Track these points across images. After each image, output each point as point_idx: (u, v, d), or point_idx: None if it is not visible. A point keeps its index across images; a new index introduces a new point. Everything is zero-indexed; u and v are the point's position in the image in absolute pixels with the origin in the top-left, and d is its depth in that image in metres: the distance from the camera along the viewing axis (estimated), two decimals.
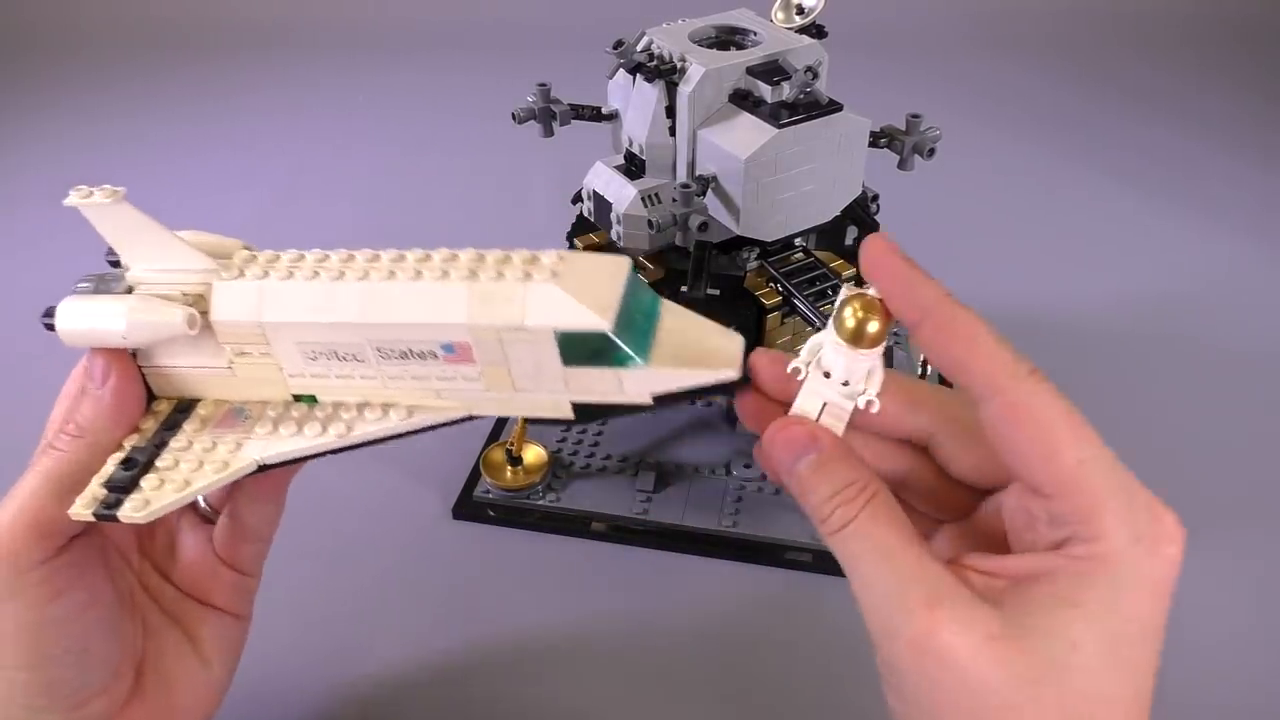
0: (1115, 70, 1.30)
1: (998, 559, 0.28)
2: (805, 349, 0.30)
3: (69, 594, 0.34)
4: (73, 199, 0.33)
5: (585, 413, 0.32)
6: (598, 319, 0.29)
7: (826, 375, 0.29)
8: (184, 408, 0.35)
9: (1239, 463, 0.67)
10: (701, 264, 0.56)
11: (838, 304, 0.29)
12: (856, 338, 0.28)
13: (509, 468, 0.64)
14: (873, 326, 0.28)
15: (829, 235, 0.62)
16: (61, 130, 1.20)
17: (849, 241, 0.64)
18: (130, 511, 0.31)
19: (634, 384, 0.31)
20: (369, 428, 0.33)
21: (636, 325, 0.31)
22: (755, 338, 0.59)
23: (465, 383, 0.32)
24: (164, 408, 0.35)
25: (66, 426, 0.34)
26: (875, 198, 0.64)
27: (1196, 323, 0.81)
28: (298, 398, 0.34)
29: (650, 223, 0.56)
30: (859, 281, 0.30)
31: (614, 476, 0.65)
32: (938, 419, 0.31)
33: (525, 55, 1.32)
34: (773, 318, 0.58)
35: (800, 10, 0.59)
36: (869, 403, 0.29)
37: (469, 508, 0.64)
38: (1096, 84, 1.26)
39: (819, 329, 0.54)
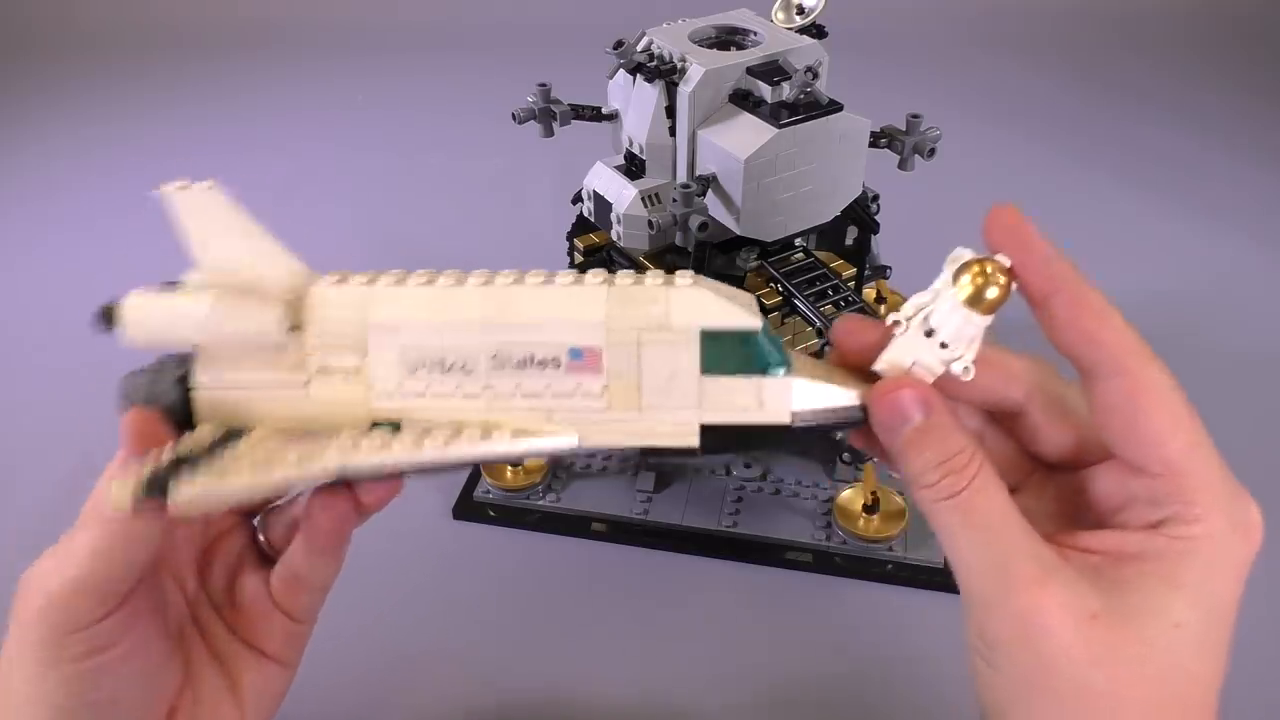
0: (1116, 70, 1.30)
1: (1092, 535, 0.29)
2: (909, 304, 0.29)
3: (112, 649, 0.32)
4: (170, 189, 0.30)
5: (713, 439, 0.30)
6: (749, 316, 0.29)
7: (928, 334, 0.29)
8: (234, 433, 0.31)
9: (1239, 463, 0.67)
10: (701, 264, 0.56)
11: (959, 264, 0.28)
12: (975, 301, 0.28)
13: (509, 468, 0.64)
14: (994, 292, 0.28)
15: (829, 235, 0.62)
16: (61, 130, 1.20)
17: (849, 242, 0.64)
18: (186, 493, 0.27)
19: (774, 397, 0.29)
20: (471, 449, 0.30)
21: (775, 340, 0.30)
22: None
23: (584, 400, 0.30)
24: (208, 431, 0.31)
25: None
26: (875, 198, 0.64)
27: (1196, 323, 0.80)
28: (377, 425, 0.31)
29: (650, 223, 0.56)
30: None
31: (614, 476, 0.65)
32: (1032, 393, 0.31)
33: (525, 55, 1.32)
34: (773, 318, 0.58)
35: (800, 10, 0.59)
36: (965, 369, 0.29)
37: (469, 508, 0.64)
38: (1097, 84, 1.26)
39: (819, 329, 0.54)
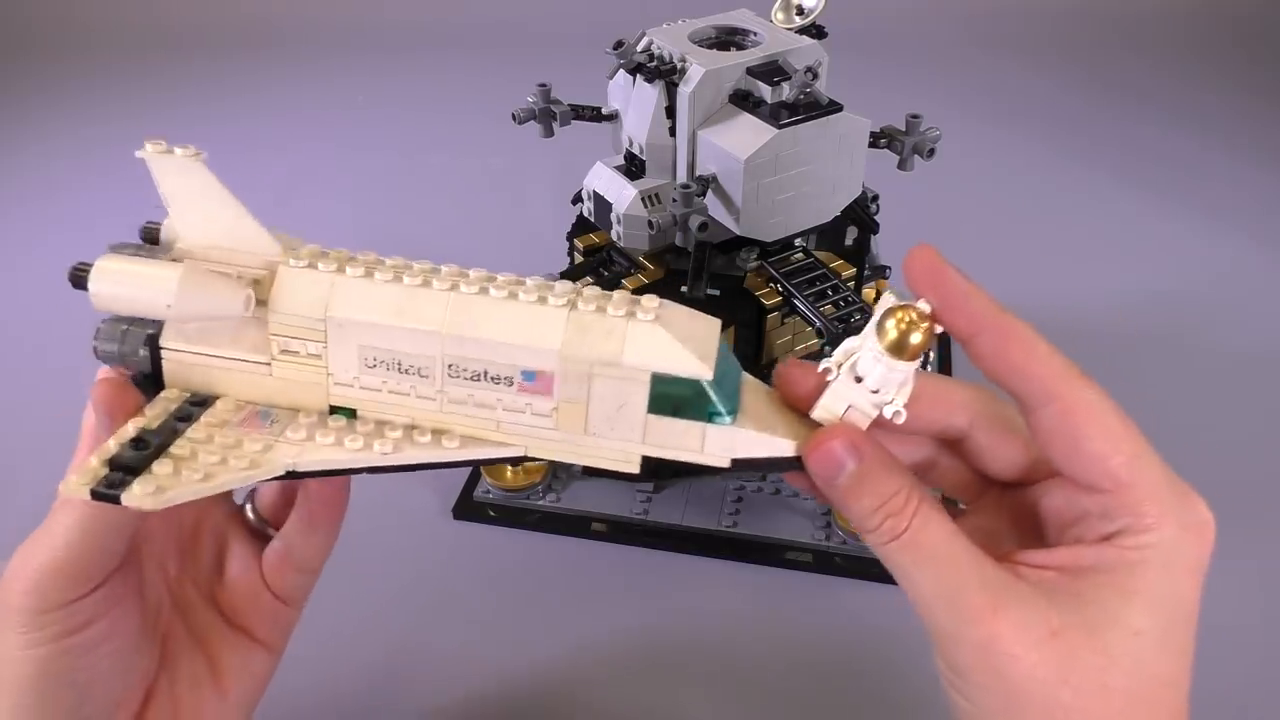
0: (1116, 70, 1.30)
1: (1046, 552, 0.29)
2: (839, 350, 0.29)
3: (89, 629, 0.33)
4: (149, 151, 0.30)
5: (652, 469, 0.30)
6: (700, 365, 0.29)
7: (858, 380, 0.29)
8: (198, 401, 0.32)
9: (1239, 462, 0.67)
10: (701, 264, 0.57)
11: (881, 312, 0.28)
12: (898, 349, 0.28)
13: (509, 468, 0.64)
14: (916, 338, 0.28)
15: (829, 235, 0.62)
16: (61, 130, 1.20)
17: (849, 242, 0.64)
18: (140, 495, 0.27)
19: (716, 443, 0.30)
20: (418, 454, 0.30)
21: (727, 383, 0.30)
22: (756, 337, 0.59)
23: (533, 417, 0.30)
24: (174, 396, 0.32)
25: None
26: (875, 198, 0.64)
27: (1197, 323, 0.81)
28: (334, 410, 0.32)
29: (650, 223, 0.56)
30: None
31: (614, 477, 0.65)
32: (974, 418, 0.31)
33: (525, 55, 1.32)
34: (773, 318, 0.58)
35: (800, 11, 0.59)
36: (896, 413, 0.29)
37: (469, 508, 0.64)
38: (1097, 84, 1.26)
39: (819, 329, 0.54)
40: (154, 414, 0.31)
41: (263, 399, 0.32)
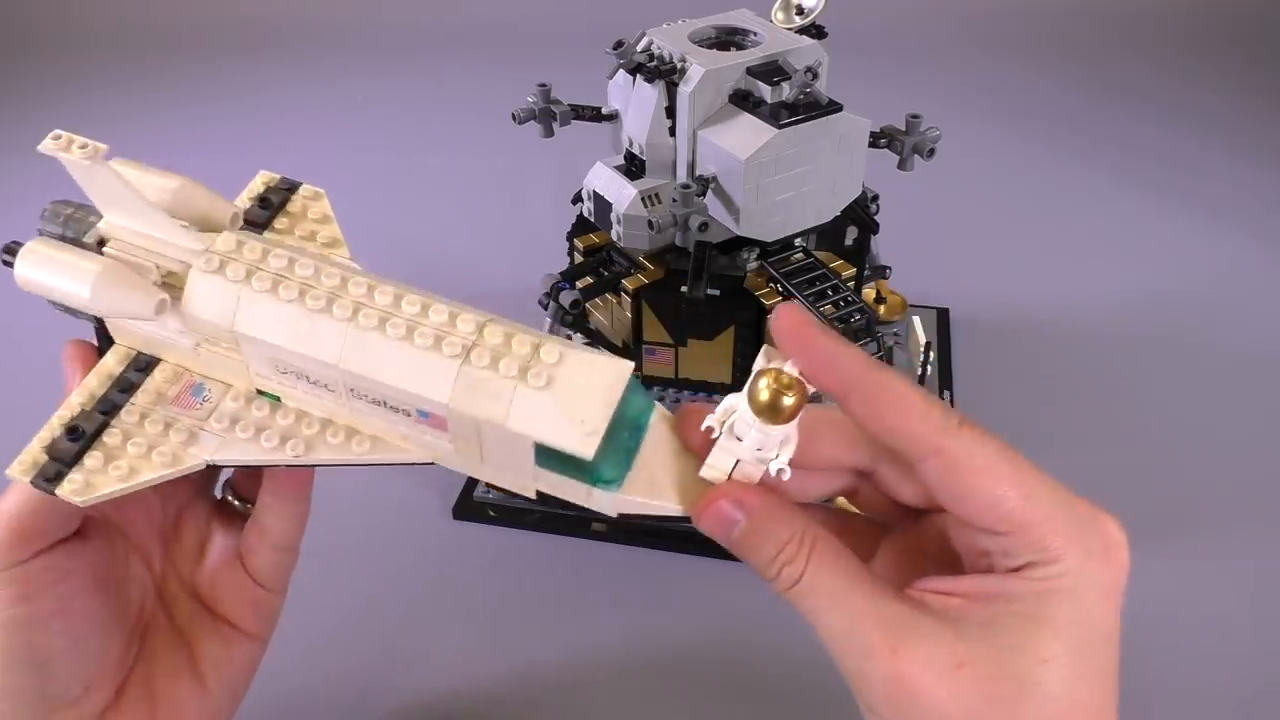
0: (1116, 70, 1.30)
1: (952, 580, 0.28)
2: (720, 408, 0.28)
3: (34, 600, 0.33)
4: (48, 145, 0.29)
5: (547, 500, 0.31)
6: (581, 444, 0.27)
7: (740, 439, 0.28)
8: (142, 365, 0.33)
9: (1239, 462, 0.67)
10: (701, 264, 0.57)
11: (752, 375, 0.27)
12: (771, 412, 0.27)
13: None
14: (787, 401, 0.27)
15: (829, 235, 0.62)
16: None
17: (849, 242, 0.64)
18: (69, 492, 0.30)
19: (602, 501, 0.30)
20: (327, 454, 0.31)
21: (620, 443, 0.29)
22: (756, 337, 0.59)
23: (435, 439, 0.30)
24: (120, 356, 0.33)
25: None
26: (875, 198, 0.64)
27: (1197, 323, 0.81)
28: (262, 392, 0.33)
29: (650, 223, 0.56)
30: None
31: None
32: (876, 453, 0.30)
33: (525, 55, 1.32)
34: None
35: (800, 10, 0.59)
36: (780, 470, 0.28)
37: (469, 508, 0.64)
38: (1097, 84, 1.26)
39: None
40: (97, 382, 0.33)
41: (197, 369, 0.33)
